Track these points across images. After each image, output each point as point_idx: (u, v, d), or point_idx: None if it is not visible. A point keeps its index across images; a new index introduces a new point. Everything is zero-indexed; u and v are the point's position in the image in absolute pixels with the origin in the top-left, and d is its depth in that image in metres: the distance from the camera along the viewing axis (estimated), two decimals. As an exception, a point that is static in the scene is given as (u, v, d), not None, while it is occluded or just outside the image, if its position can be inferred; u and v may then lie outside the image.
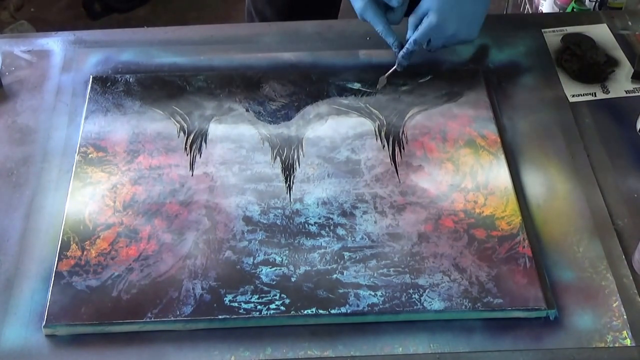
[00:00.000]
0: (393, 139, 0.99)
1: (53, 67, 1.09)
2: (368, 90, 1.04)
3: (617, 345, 0.79)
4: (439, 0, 0.97)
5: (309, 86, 1.04)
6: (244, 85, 1.05)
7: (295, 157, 0.97)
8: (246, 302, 0.81)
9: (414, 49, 1.01)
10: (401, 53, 1.01)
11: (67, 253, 0.85)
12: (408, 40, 1.01)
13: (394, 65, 1.02)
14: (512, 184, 0.93)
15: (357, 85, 1.05)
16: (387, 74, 1.03)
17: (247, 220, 0.89)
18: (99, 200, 0.91)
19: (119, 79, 1.06)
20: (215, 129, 1.00)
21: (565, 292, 0.84)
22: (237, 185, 0.93)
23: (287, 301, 0.81)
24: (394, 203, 0.91)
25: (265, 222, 0.89)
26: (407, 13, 1.02)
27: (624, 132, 1.01)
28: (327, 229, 0.88)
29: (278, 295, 0.82)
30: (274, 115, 1.02)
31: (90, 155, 0.96)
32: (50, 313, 0.80)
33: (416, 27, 1.00)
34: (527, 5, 1.94)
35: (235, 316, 0.80)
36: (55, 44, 1.13)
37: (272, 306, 0.81)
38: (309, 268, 0.84)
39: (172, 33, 1.15)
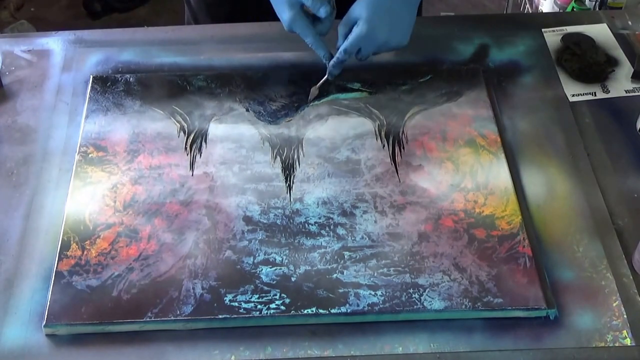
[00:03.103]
0: (393, 139, 0.99)
1: (53, 67, 1.09)
2: (369, 90, 1.04)
3: (617, 344, 0.79)
4: (368, 9, 0.96)
5: (309, 86, 1.04)
6: (244, 85, 1.05)
7: (296, 156, 0.97)
8: (246, 302, 0.81)
9: (344, 59, 0.99)
10: (332, 62, 0.99)
11: (68, 253, 0.85)
12: (338, 49, 0.99)
13: (324, 74, 1.00)
14: (512, 184, 0.93)
15: (357, 85, 1.05)
16: (318, 84, 1.02)
17: (247, 220, 0.89)
18: (99, 200, 0.91)
19: (119, 79, 1.06)
20: (216, 129, 1.00)
21: (565, 291, 0.84)
22: (237, 185, 0.93)
23: (287, 301, 0.81)
24: (394, 203, 0.91)
25: (265, 221, 0.89)
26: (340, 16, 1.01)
27: (624, 132, 1.01)
28: (327, 229, 0.88)
29: (278, 294, 0.82)
30: (274, 116, 1.02)
31: (90, 155, 0.96)
32: (50, 313, 0.80)
33: (346, 36, 0.98)
34: (527, 5, 1.95)
35: (235, 316, 0.80)
36: (55, 43, 1.13)
37: (272, 306, 0.81)
38: (309, 268, 0.84)
39: (172, 33, 1.15)
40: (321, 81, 1.02)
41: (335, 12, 1.00)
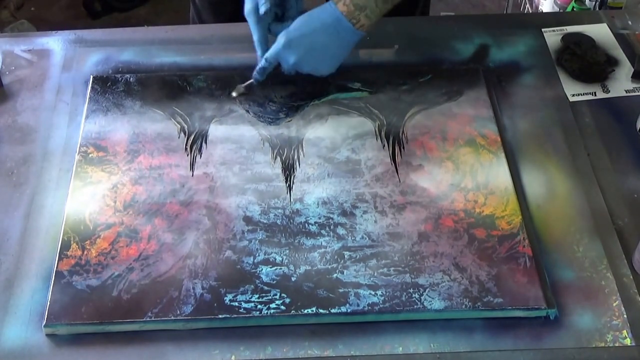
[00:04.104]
0: (393, 139, 0.99)
1: (53, 67, 1.09)
2: (369, 90, 1.04)
3: (617, 344, 0.79)
4: (293, 26, 0.95)
5: (309, 86, 1.04)
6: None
7: (296, 157, 0.97)
8: (246, 302, 0.81)
9: (266, 66, 0.98)
10: (257, 68, 0.99)
11: (68, 252, 0.85)
12: (263, 55, 0.98)
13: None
14: (512, 184, 0.93)
15: (357, 85, 1.05)
16: (244, 84, 1.01)
17: (248, 220, 0.89)
18: (99, 200, 0.91)
19: (120, 79, 1.06)
20: (216, 130, 1.00)
21: (566, 291, 0.84)
22: (238, 185, 0.93)
23: (287, 300, 0.81)
24: (394, 202, 0.91)
25: (265, 221, 0.89)
26: None
27: (624, 131, 1.01)
28: (327, 229, 0.88)
29: (278, 294, 0.82)
30: (274, 116, 1.01)
31: (90, 155, 0.96)
32: (50, 312, 0.80)
33: None
34: (527, 5, 1.94)
35: (235, 315, 0.80)
36: (55, 43, 1.13)
37: (273, 305, 0.81)
38: (309, 267, 0.84)
39: (173, 32, 1.15)
40: (247, 82, 1.01)
41: (292, 15, 0.98)
